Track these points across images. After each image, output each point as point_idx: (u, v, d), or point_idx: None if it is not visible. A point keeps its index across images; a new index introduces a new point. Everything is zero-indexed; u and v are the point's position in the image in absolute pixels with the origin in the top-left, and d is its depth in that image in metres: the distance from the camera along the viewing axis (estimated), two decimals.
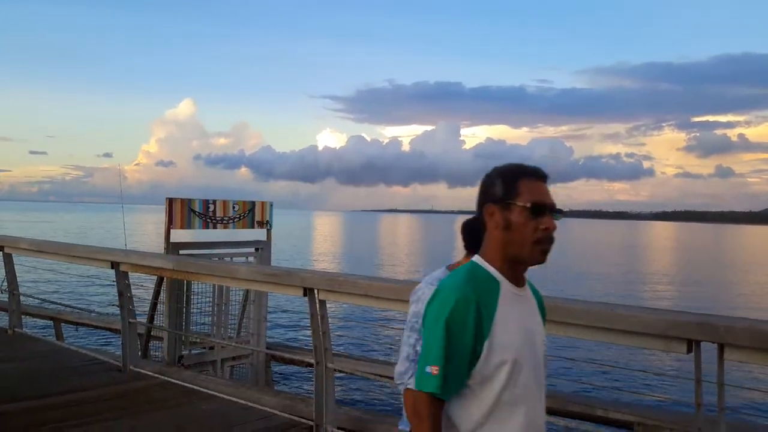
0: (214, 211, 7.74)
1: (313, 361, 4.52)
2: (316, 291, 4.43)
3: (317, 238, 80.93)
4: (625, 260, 57.29)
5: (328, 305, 4.54)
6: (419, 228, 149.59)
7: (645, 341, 2.94)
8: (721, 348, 2.65)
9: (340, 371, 5.05)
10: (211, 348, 7.97)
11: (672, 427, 4.19)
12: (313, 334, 4.53)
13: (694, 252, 76.59)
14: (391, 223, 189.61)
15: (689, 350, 2.76)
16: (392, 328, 16.77)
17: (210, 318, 7.96)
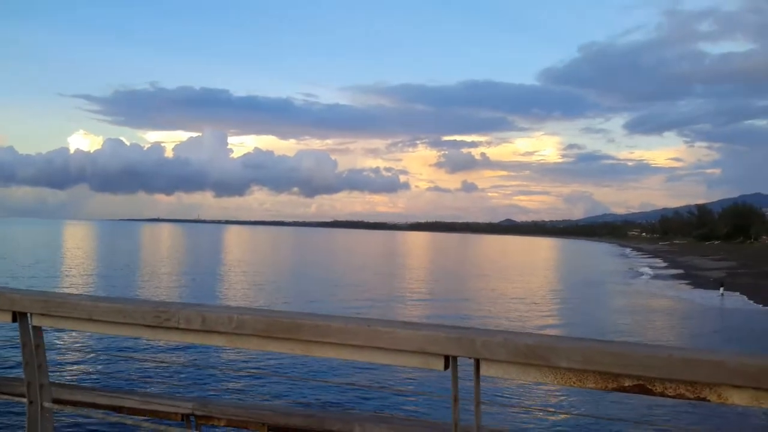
0: None
1: (25, 400, 3.69)
2: (29, 315, 3.60)
3: (65, 251, 72.73)
4: (385, 270, 60.28)
5: (49, 331, 3.76)
6: (182, 238, 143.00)
7: (403, 359, 2.73)
8: (477, 363, 2.53)
9: (61, 409, 4.23)
10: None
11: None
12: (25, 367, 3.66)
13: (446, 262, 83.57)
14: (152, 234, 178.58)
15: (446, 366, 2.61)
16: (136, 357, 15.24)
17: None
